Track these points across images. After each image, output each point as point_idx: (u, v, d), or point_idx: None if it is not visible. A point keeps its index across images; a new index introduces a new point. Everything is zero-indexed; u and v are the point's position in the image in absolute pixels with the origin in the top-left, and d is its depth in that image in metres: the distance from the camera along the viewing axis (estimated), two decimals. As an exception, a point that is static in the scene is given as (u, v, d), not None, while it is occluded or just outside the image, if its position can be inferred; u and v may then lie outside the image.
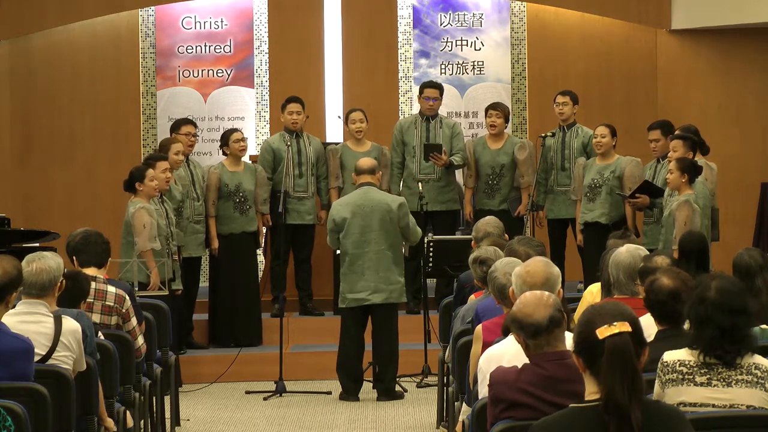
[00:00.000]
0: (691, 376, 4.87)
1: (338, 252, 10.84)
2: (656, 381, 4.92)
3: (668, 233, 9.80)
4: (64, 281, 6.49)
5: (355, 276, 9.87)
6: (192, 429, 9.17)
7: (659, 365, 4.93)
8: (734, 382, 4.84)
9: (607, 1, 13.48)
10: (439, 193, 11.62)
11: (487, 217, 9.00)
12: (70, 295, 6.54)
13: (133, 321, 7.45)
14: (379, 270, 9.84)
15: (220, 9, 13.51)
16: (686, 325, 5.21)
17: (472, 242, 8.68)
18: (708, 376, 4.86)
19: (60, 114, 13.45)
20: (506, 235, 8.61)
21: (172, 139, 10.91)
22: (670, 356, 4.93)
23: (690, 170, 9.70)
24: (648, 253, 6.72)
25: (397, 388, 10.08)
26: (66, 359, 6.06)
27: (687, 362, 4.89)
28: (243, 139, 11.30)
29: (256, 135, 13.48)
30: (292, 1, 13.42)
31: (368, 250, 9.85)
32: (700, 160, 10.35)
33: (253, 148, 13.08)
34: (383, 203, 9.88)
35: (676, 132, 10.56)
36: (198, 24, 13.50)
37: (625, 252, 6.57)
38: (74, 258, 7.54)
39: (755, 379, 4.84)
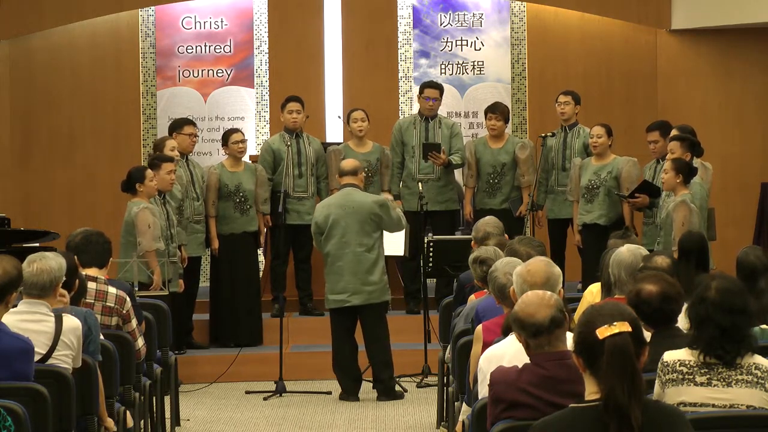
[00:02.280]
0: (691, 376, 4.87)
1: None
2: (656, 381, 4.92)
3: (666, 235, 9.80)
4: (78, 282, 6.51)
5: (335, 277, 9.88)
6: (192, 429, 9.17)
7: (659, 365, 4.93)
8: (734, 382, 4.84)
9: (607, 1, 13.48)
10: (439, 193, 11.62)
11: (487, 217, 9.00)
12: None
13: (134, 322, 7.44)
14: (357, 272, 9.83)
15: (220, 9, 13.51)
16: (685, 325, 5.21)
17: (472, 242, 8.69)
18: (708, 376, 4.86)
19: (60, 114, 13.45)
20: (506, 235, 8.61)
21: (165, 138, 10.91)
22: (671, 356, 4.93)
23: (684, 171, 9.69)
24: (648, 253, 6.72)
25: (397, 388, 10.08)
26: (66, 358, 6.06)
27: (687, 362, 4.89)
28: (243, 141, 11.29)
29: (256, 135, 13.48)
30: (292, 1, 13.42)
31: (348, 252, 9.84)
32: (695, 160, 10.35)
33: (253, 148, 13.08)
34: (365, 204, 9.87)
35: (673, 133, 10.55)
36: (198, 24, 13.50)
37: (626, 251, 6.57)
38: (75, 258, 7.52)
39: (755, 379, 4.84)
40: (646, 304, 5.35)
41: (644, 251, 6.65)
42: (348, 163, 10.11)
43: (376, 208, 9.86)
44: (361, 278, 9.83)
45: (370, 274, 9.86)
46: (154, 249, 9.65)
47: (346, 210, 9.83)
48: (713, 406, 4.84)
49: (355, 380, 10.03)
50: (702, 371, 4.86)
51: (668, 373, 4.89)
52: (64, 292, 6.39)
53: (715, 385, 4.85)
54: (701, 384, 4.85)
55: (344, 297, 9.85)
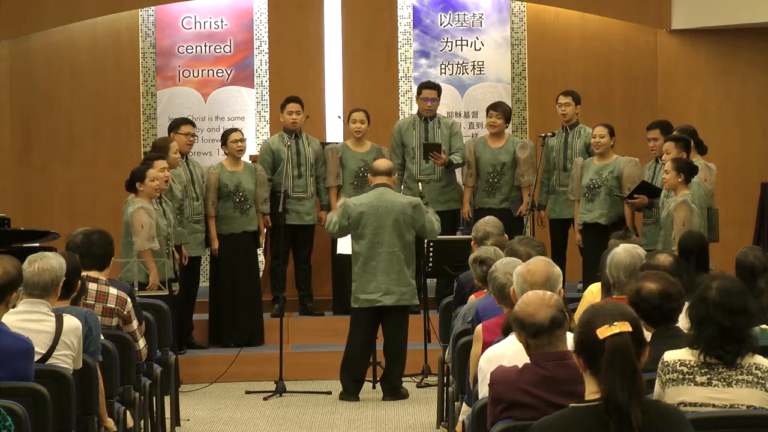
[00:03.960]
0: (692, 376, 4.86)
1: (338, 252, 10.84)
2: (656, 381, 4.92)
3: (667, 234, 9.80)
4: (79, 282, 6.49)
5: (367, 276, 9.86)
6: (192, 429, 9.17)
7: (659, 365, 4.92)
8: (734, 382, 4.84)
9: (607, 1, 13.48)
10: (440, 193, 11.62)
11: (487, 217, 9.01)
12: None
13: (135, 323, 7.42)
14: (390, 272, 9.82)
15: (220, 9, 13.51)
16: (686, 325, 5.20)
17: (472, 242, 8.68)
18: (708, 375, 4.85)
19: (60, 114, 13.45)
20: (506, 235, 8.61)
21: (168, 139, 10.89)
22: (671, 356, 4.93)
23: (686, 170, 9.69)
24: (646, 253, 6.70)
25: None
26: (66, 358, 6.06)
27: (687, 362, 4.89)
28: (242, 140, 11.29)
29: (256, 135, 13.48)
30: (292, 1, 13.42)
31: (381, 251, 9.83)
32: (698, 160, 10.36)
33: (253, 148, 13.08)
34: (398, 204, 9.87)
35: (674, 132, 10.57)
36: (198, 24, 13.50)
37: (623, 252, 6.53)
38: (77, 258, 7.46)
39: (755, 379, 4.84)
40: (645, 301, 5.35)
41: (641, 250, 6.62)
42: (382, 163, 10.09)
43: (409, 209, 9.85)
44: (394, 279, 9.82)
45: (403, 275, 9.85)
46: (147, 249, 9.62)
47: (379, 210, 9.82)
48: (713, 406, 4.83)
49: (357, 381, 10.02)
50: (702, 371, 4.86)
51: (668, 373, 4.89)
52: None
53: (715, 385, 4.84)
54: (701, 384, 4.85)
55: (376, 296, 9.84)
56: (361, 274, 9.89)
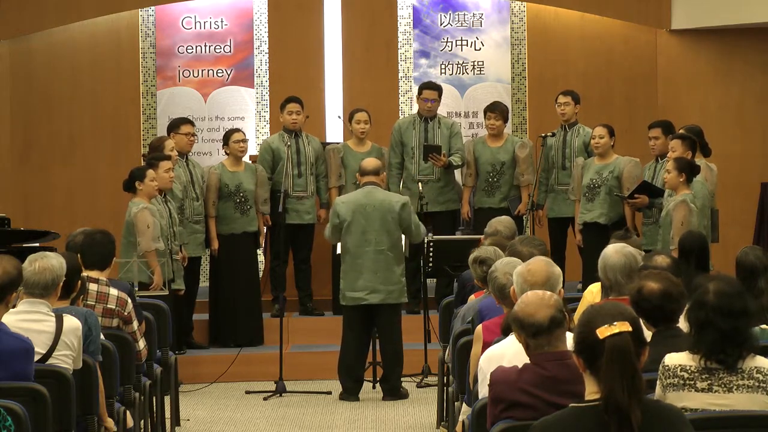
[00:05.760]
0: (692, 382, 4.84)
1: (338, 252, 10.84)
2: (657, 383, 4.90)
3: (666, 233, 9.80)
4: (80, 282, 6.49)
5: (354, 275, 9.88)
6: (192, 429, 9.17)
7: (660, 368, 4.90)
8: (735, 387, 4.81)
9: (607, 1, 13.48)
10: (439, 193, 11.62)
11: (502, 217, 9.11)
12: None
13: (135, 324, 7.41)
14: (378, 270, 9.84)
15: (220, 9, 13.51)
16: (685, 326, 5.19)
17: (482, 237, 8.74)
18: (709, 381, 4.82)
19: (60, 114, 13.45)
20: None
21: (163, 138, 10.89)
22: (672, 360, 4.89)
23: (687, 170, 9.69)
24: (644, 252, 6.68)
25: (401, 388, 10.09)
26: (66, 358, 6.06)
27: (688, 367, 4.86)
28: (244, 140, 11.30)
29: (256, 135, 13.48)
30: (292, 1, 13.42)
31: (368, 250, 9.85)
32: (700, 160, 10.35)
33: (253, 148, 13.08)
34: (386, 203, 9.88)
35: (680, 131, 10.57)
36: (198, 24, 13.50)
37: (614, 254, 6.37)
38: (78, 258, 7.46)
39: (756, 384, 4.81)
40: (646, 301, 5.34)
41: (632, 248, 6.52)
42: (370, 163, 10.12)
43: (397, 207, 9.87)
44: (381, 277, 9.84)
45: (390, 274, 9.86)
46: (153, 249, 9.63)
47: (367, 208, 9.84)
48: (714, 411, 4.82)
49: (356, 381, 10.03)
50: (703, 377, 4.83)
51: (669, 377, 4.87)
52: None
53: (716, 391, 4.82)
54: (702, 390, 4.82)
55: (362, 295, 9.86)
56: (349, 272, 9.91)
